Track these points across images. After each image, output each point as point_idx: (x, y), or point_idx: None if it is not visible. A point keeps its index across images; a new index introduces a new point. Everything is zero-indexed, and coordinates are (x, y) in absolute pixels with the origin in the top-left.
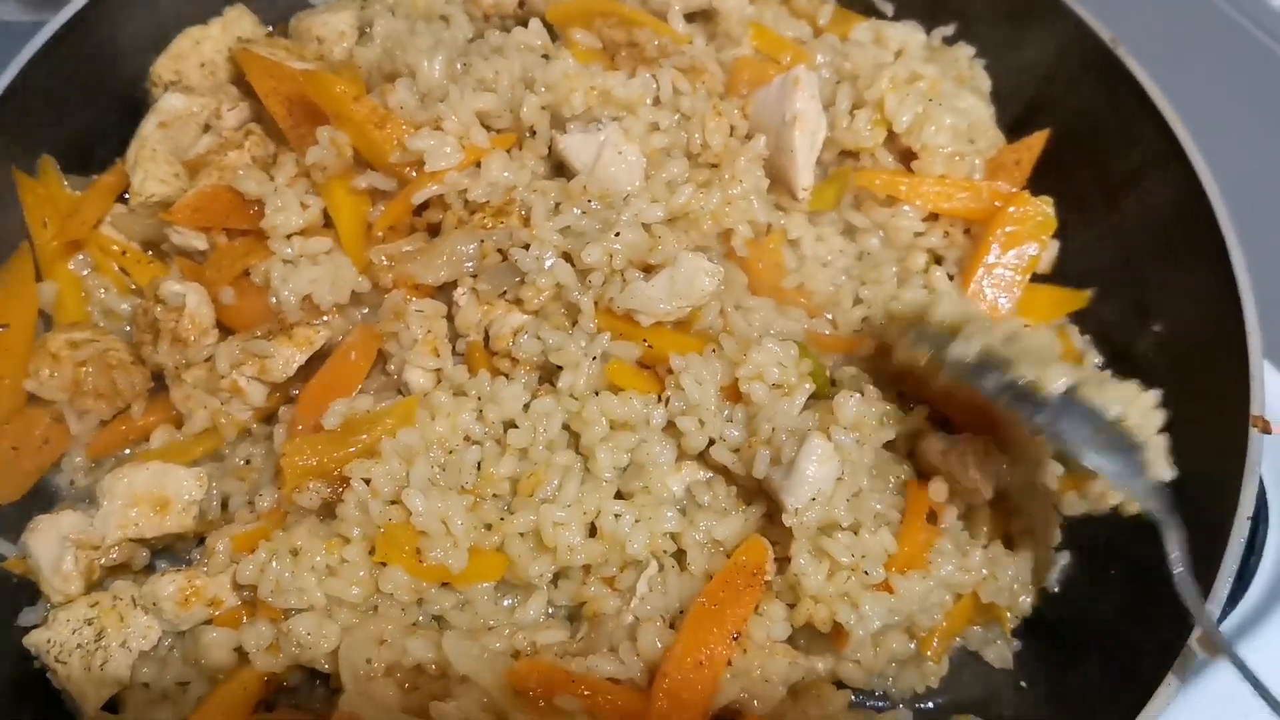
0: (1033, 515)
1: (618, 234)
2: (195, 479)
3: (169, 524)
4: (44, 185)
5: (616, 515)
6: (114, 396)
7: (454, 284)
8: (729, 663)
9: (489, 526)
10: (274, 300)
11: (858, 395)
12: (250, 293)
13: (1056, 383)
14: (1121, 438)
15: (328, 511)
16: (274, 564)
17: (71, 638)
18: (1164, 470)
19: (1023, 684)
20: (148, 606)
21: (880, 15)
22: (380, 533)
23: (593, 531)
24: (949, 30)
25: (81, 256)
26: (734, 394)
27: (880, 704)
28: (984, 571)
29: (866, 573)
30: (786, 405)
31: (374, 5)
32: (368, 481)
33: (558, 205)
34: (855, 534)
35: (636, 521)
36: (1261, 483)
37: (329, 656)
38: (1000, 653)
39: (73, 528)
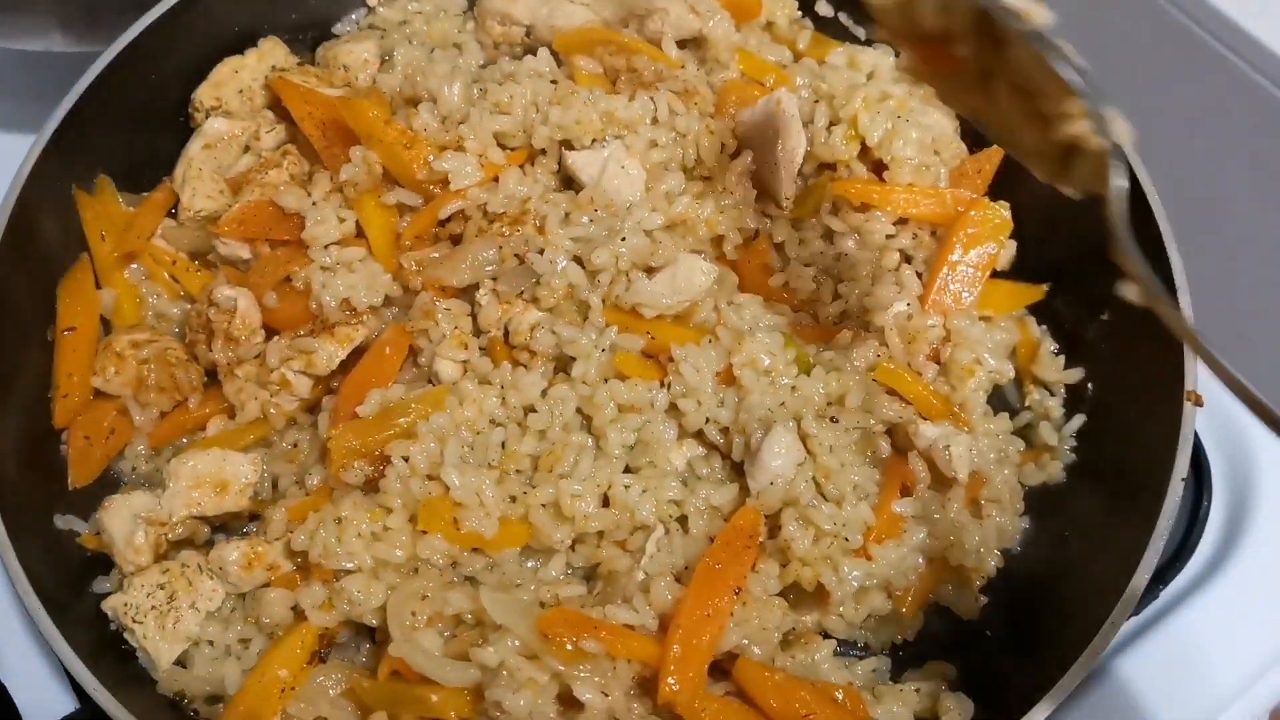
0: (998, 486)
1: (623, 239)
2: (250, 463)
3: (228, 503)
4: (101, 202)
5: (626, 487)
6: (173, 390)
7: (476, 286)
8: (731, 614)
9: (514, 499)
10: (315, 303)
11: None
12: (291, 296)
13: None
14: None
15: (370, 487)
16: (322, 532)
17: (146, 601)
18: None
19: (988, 633)
20: (214, 571)
21: (854, 39)
22: (421, 505)
23: (605, 502)
24: None
25: (135, 266)
26: (728, 378)
27: (862, 653)
28: (952, 538)
29: (847, 539)
30: (763, 397)
31: (393, 35)
32: (406, 459)
33: (568, 214)
34: (838, 506)
35: (644, 492)
36: (1206, 461)
37: (376, 612)
38: (968, 607)
39: (143, 507)
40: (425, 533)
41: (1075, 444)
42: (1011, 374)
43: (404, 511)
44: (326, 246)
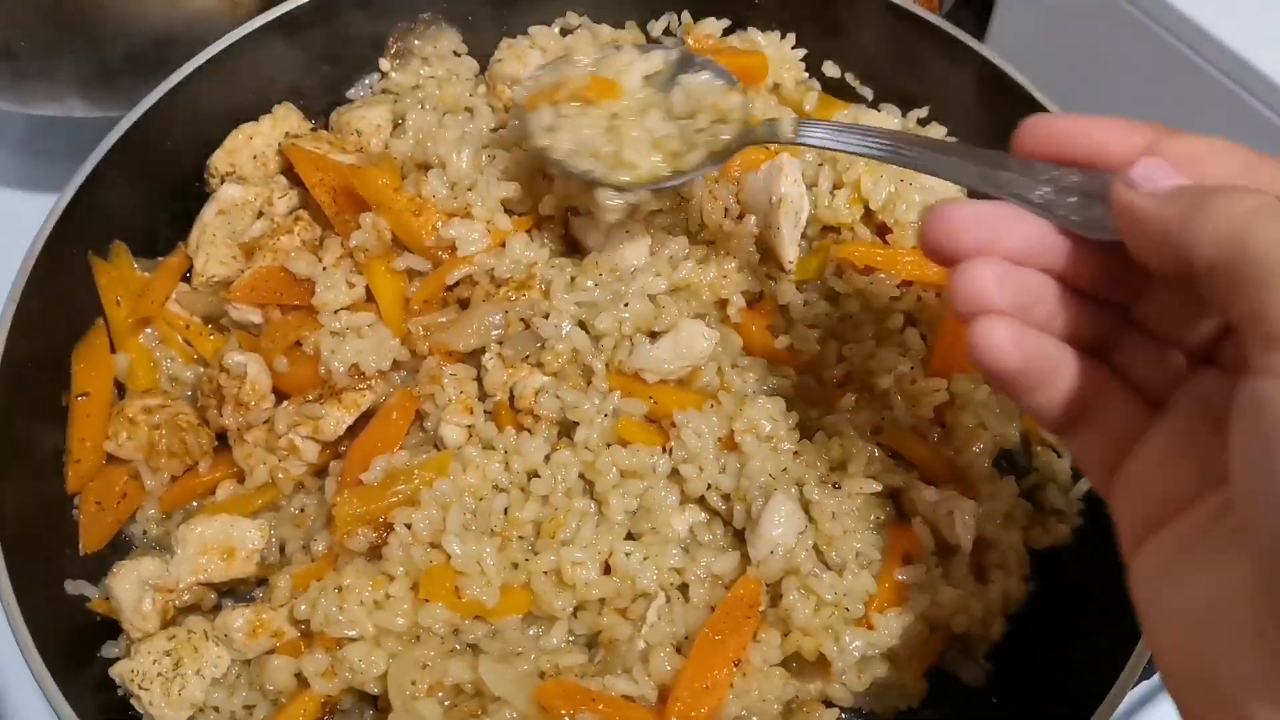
0: (1004, 551)
1: (627, 304)
2: (257, 529)
3: (235, 569)
4: (116, 268)
5: (628, 554)
6: (184, 455)
7: (482, 350)
8: (731, 685)
9: (516, 566)
10: (324, 369)
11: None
12: (301, 361)
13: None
14: None
15: (375, 553)
16: (324, 600)
17: (153, 667)
18: None
19: (994, 700)
20: (219, 638)
21: (861, 99)
22: (423, 574)
23: (607, 569)
24: (923, 113)
25: (149, 330)
26: (730, 444)
27: None
28: (957, 605)
29: (848, 609)
30: (765, 463)
31: (405, 99)
32: (409, 526)
33: (573, 279)
34: (840, 574)
35: (645, 559)
36: None
37: (378, 680)
38: (973, 673)
39: (151, 573)
40: (427, 600)
41: (1083, 507)
42: (1017, 437)
43: (406, 579)
44: (336, 311)
